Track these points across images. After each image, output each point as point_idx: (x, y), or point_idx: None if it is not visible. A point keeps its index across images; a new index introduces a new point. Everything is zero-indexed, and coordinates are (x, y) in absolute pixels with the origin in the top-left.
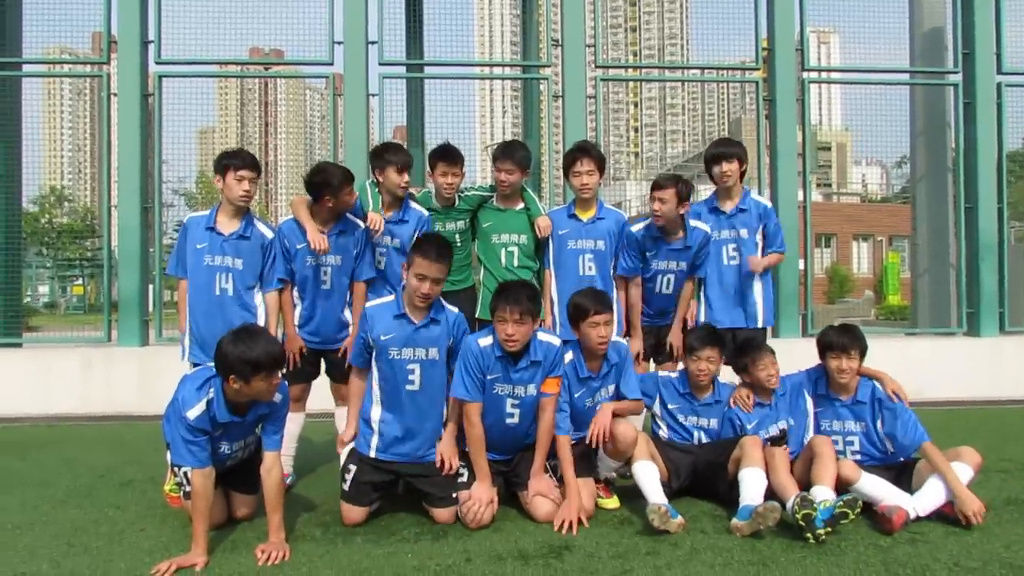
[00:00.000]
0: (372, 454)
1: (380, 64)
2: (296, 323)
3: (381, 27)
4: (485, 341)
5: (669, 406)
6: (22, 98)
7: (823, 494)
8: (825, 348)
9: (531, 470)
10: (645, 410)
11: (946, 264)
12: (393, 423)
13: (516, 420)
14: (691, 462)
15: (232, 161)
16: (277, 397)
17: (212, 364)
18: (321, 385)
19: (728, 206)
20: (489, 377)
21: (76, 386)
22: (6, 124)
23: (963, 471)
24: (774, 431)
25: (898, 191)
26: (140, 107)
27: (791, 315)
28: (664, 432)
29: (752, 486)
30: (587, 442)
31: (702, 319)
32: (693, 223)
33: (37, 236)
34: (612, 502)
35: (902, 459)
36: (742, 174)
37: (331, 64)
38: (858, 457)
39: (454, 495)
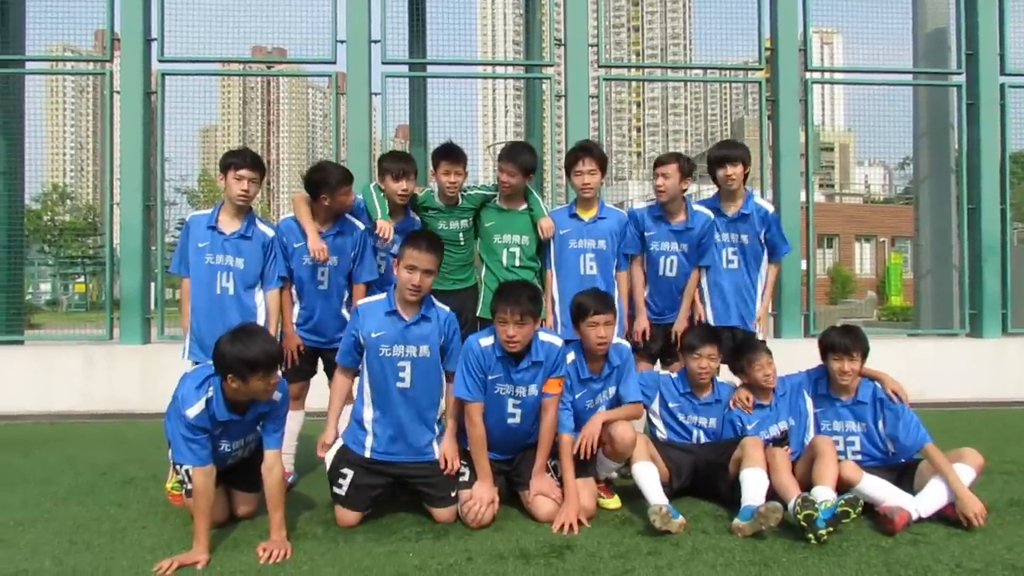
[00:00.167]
0: (367, 455)
1: (383, 63)
2: (295, 322)
3: (384, 26)
4: (486, 341)
5: (669, 405)
6: (25, 96)
7: (824, 494)
8: (827, 349)
9: (532, 470)
10: (644, 411)
11: (949, 265)
12: (386, 422)
13: (518, 420)
14: (692, 462)
15: (233, 160)
16: (277, 395)
17: (211, 363)
18: (322, 383)
19: (731, 209)
20: (490, 377)
21: (78, 384)
22: (9, 122)
23: (965, 472)
24: (775, 432)
25: (901, 192)
26: (143, 105)
27: (793, 315)
28: (663, 432)
29: (753, 486)
30: (575, 453)
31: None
32: (696, 207)
33: (39, 234)
34: (613, 502)
35: (904, 460)
36: (745, 176)
37: (334, 63)
38: (859, 458)
39: (454, 494)
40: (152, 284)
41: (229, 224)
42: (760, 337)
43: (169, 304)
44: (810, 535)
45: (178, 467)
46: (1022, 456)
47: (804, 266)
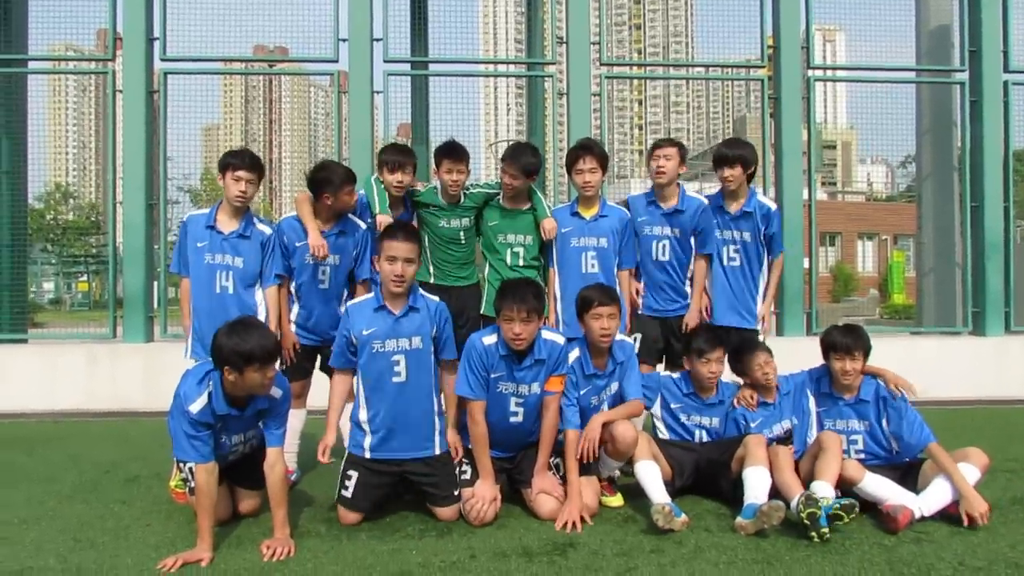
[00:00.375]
0: (367, 455)
1: (385, 61)
2: (294, 320)
3: (386, 24)
4: (489, 339)
5: (671, 406)
6: (27, 95)
7: (823, 490)
8: (829, 349)
9: (535, 468)
10: (645, 411)
11: (952, 263)
12: (383, 419)
13: (520, 418)
14: (694, 460)
15: (232, 161)
16: (277, 392)
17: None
18: (324, 382)
19: (733, 207)
20: (493, 375)
21: (81, 382)
22: (12, 121)
23: (970, 472)
24: (778, 430)
25: (903, 190)
26: (145, 104)
27: (795, 314)
28: (664, 433)
29: (756, 485)
30: (576, 458)
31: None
32: (691, 193)
33: (42, 233)
34: (616, 500)
35: (907, 459)
36: (751, 176)
37: (336, 61)
38: (862, 456)
39: (456, 493)
40: (155, 283)
41: (227, 224)
42: (762, 336)
43: (172, 303)
44: (813, 533)
45: (182, 465)
46: None
47: (806, 264)
